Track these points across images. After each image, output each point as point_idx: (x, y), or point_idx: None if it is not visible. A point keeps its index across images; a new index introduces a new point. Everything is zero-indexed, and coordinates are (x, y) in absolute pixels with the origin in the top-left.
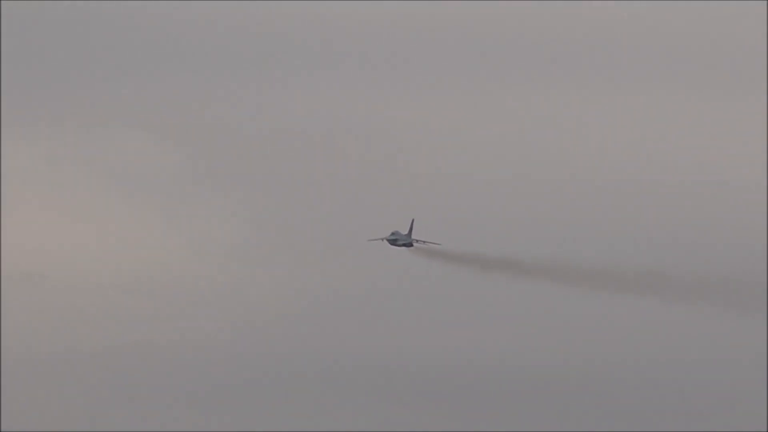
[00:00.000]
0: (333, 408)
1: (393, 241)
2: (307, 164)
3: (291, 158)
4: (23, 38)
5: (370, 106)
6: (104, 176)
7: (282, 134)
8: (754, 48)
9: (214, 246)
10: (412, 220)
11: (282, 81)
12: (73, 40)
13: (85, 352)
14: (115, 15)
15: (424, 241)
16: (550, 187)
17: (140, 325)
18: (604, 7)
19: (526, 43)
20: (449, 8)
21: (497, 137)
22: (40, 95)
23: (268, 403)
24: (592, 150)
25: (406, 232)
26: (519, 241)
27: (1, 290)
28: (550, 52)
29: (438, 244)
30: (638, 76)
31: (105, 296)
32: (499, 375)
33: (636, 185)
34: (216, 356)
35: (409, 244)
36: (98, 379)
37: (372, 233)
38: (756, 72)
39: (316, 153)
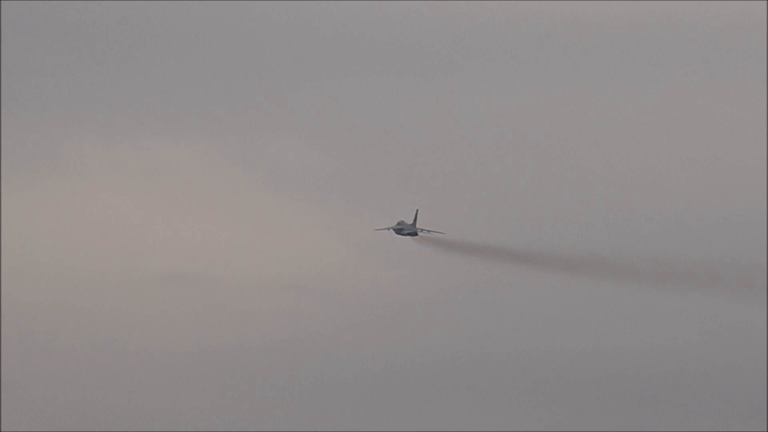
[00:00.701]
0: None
1: (399, 230)
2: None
3: (441, 161)
4: (181, 41)
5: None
6: (266, 179)
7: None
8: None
9: (372, 247)
10: (417, 210)
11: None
12: (231, 42)
13: (249, 350)
14: (290, 17)
15: (428, 230)
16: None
17: (304, 324)
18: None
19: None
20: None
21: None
22: (199, 100)
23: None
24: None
25: (411, 221)
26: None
27: (155, 291)
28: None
29: (442, 233)
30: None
31: (268, 296)
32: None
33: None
34: (377, 353)
35: (414, 233)
36: (266, 377)
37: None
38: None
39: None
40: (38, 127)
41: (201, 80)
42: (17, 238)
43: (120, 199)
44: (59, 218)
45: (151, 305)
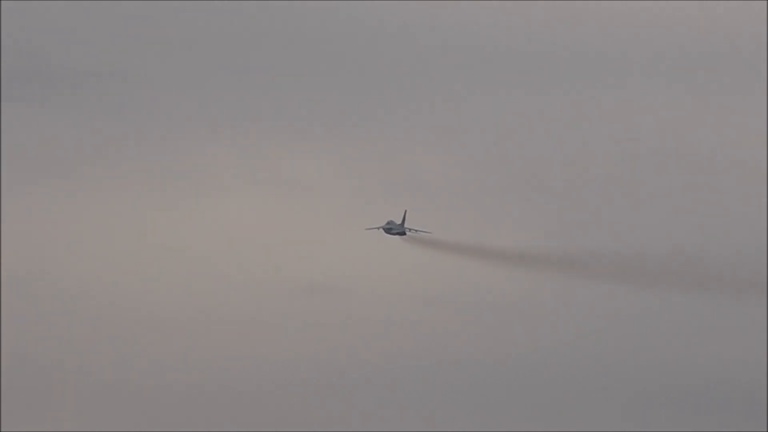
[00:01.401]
0: None
1: (387, 230)
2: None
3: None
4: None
5: None
6: (400, 188)
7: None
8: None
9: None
10: (405, 211)
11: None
12: (362, 54)
13: (386, 361)
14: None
15: (416, 230)
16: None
17: (439, 335)
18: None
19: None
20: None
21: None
22: (333, 110)
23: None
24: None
25: (399, 221)
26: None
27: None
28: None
29: (429, 232)
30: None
31: (404, 307)
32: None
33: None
34: (512, 363)
35: (402, 233)
36: (404, 387)
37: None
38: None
39: None
40: (175, 140)
41: (334, 91)
42: (155, 249)
43: (256, 210)
44: (196, 230)
45: (289, 317)
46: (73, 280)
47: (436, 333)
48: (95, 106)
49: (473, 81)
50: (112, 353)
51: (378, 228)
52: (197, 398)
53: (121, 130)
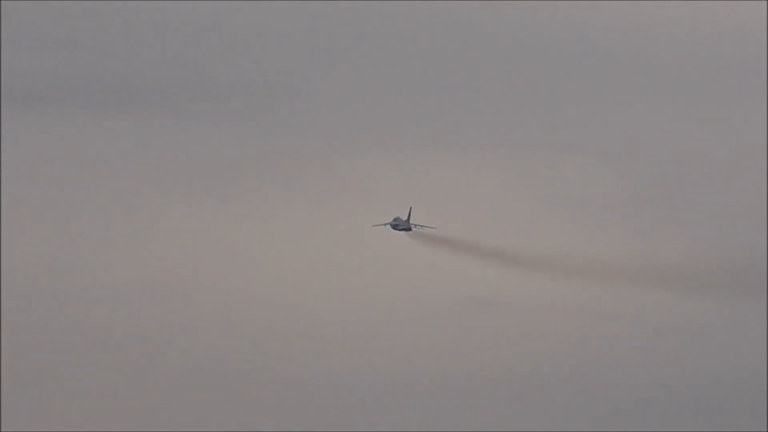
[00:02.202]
0: None
1: (394, 226)
2: None
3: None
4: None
5: None
6: (563, 203)
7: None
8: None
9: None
10: (410, 208)
11: None
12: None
13: (545, 374)
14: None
15: (421, 226)
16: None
17: (597, 348)
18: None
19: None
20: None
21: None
22: (489, 120)
23: None
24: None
25: (405, 218)
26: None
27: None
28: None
29: (434, 228)
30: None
31: (559, 320)
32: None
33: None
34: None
35: (408, 229)
36: (563, 399)
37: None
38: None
39: None
40: (326, 146)
41: (491, 100)
42: (304, 258)
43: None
44: (347, 238)
45: (449, 330)
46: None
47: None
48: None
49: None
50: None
51: (385, 225)
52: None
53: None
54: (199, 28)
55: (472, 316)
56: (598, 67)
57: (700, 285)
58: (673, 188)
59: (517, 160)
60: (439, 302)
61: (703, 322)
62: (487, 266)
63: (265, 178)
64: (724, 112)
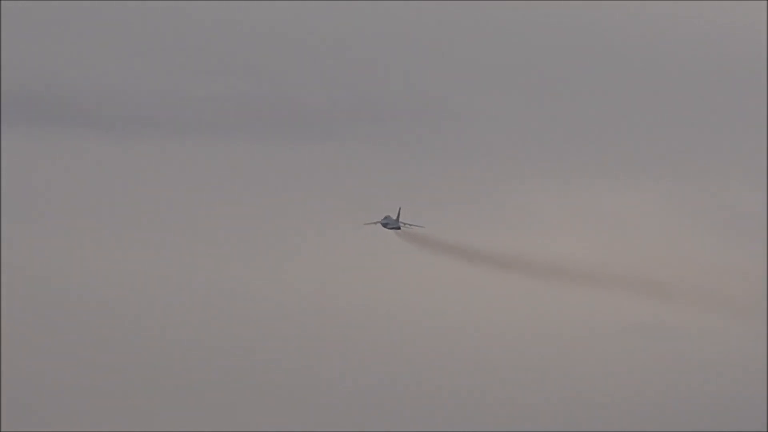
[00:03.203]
0: None
1: (385, 225)
2: None
3: None
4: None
5: None
6: (721, 227)
7: None
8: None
9: None
10: (399, 208)
11: None
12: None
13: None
14: None
15: (410, 224)
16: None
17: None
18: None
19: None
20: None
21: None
22: (645, 146)
23: None
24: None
25: (395, 217)
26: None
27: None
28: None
29: (422, 227)
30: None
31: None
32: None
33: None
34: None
35: (398, 227)
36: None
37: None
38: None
39: None
40: (482, 174)
41: (654, 127)
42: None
43: (576, 246)
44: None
45: (611, 357)
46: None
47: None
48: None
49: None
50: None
51: (376, 223)
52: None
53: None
54: (360, 53)
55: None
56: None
57: None
58: None
59: (680, 186)
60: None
61: None
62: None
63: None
64: None
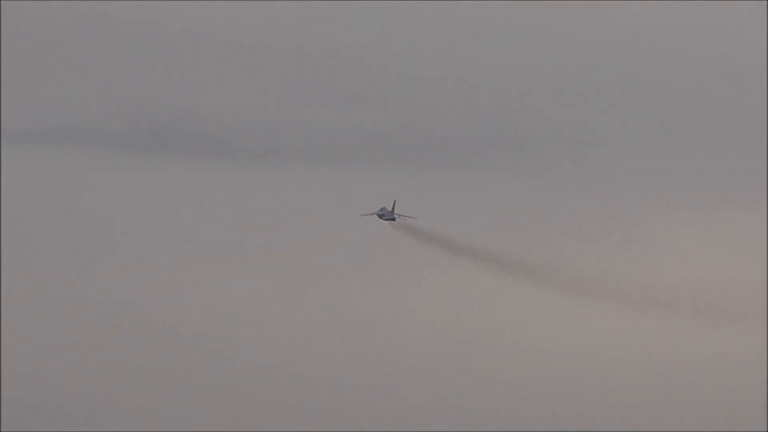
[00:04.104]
0: None
1: (381, 215)
2: None
3: None
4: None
5: None
6: None
7: None
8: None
9: None
10: (394, 200)
11: None
12: None
13: None
14: None
15: (404, 216)
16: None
17: None
18: None
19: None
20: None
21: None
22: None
23: None
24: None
25: (390, 208)
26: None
27: None
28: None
29: (415, 218)
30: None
31: None
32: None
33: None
34: None
35: (393, 219)
36: None
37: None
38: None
39: None
40: (622, 203)
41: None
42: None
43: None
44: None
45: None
46: None
47: None
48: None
49: None
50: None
51: (372, 214)
52: None
53: None
54: (500, 85)
55: None
56: None
57: None
58: None
59: None
60: None
61: None
62: None
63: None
64: None
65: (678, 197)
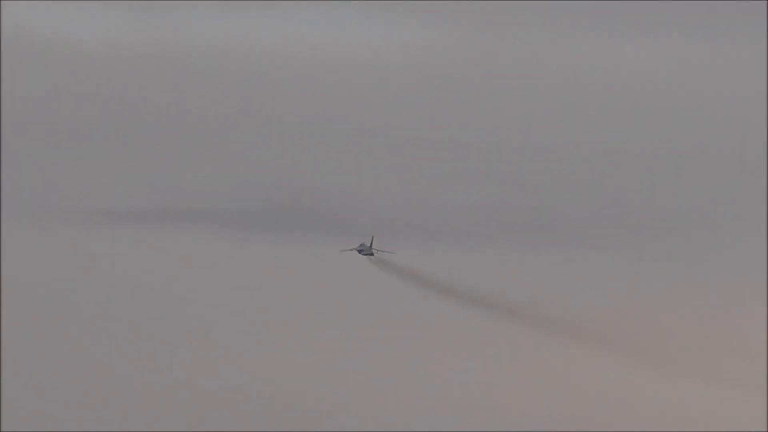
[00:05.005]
0: None
1: (360, 251)
2: None
3: None
4: None
5: None
6: None
7: None
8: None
9: None
10: (372, 236)
11: None
12: None
13: None
14: None
15: (381, 251)
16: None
17: None
18: None
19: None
20: None
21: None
22: None
23: None
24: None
25: (369, 244)
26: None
27: None
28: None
29: (393, 253)
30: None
31: None
32: None
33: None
34: None
35: (371, 254)
36: None
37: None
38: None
39: None
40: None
41: None
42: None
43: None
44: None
45: None
46: None
47: None
48: None
49: None
50: None
51: (351, 250)
52: None
53: None
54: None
55: None
56: None
57: None
58: None
59: None
60: None
61: None
62: None
63: None
64: None
65: None
